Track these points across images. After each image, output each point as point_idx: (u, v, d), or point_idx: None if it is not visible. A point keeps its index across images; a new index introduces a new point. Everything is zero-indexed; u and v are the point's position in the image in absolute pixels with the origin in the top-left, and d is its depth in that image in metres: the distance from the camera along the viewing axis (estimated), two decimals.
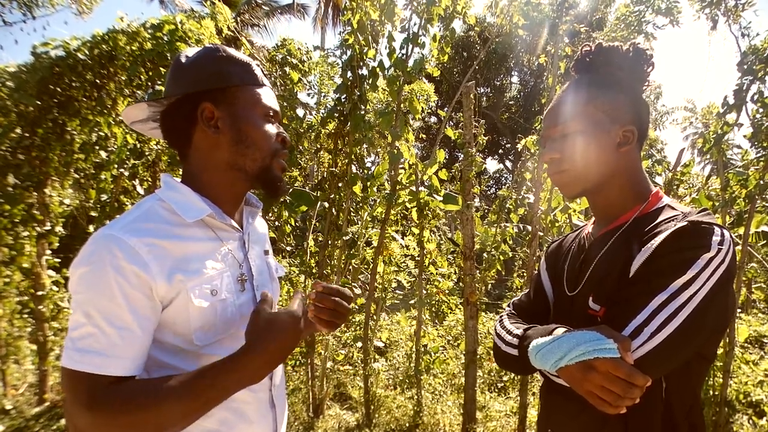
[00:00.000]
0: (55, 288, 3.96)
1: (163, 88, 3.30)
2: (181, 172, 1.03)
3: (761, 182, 3.11)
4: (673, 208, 0.97)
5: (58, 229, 3.87)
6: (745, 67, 3.18)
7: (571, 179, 1.03)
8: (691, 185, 4.52)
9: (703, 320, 0.82)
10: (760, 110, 3.16)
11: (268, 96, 1.01)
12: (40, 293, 3.86)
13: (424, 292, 4.00)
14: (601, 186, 1.03)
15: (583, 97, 1.02)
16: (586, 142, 1.00)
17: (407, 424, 3.72)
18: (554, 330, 0.91)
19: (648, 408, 0.88)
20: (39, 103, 3.51)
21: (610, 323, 0.85)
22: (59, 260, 4.02)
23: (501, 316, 1.16)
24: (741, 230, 3.29)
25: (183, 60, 0.98)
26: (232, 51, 1.00)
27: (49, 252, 3.97)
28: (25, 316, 4.26)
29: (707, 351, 0.93)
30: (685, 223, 0.87)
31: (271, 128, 1.00)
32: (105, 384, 0.80)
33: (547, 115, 1.08)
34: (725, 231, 0.87)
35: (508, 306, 1.21)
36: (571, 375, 0.83)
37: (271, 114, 1.01)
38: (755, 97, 3.17)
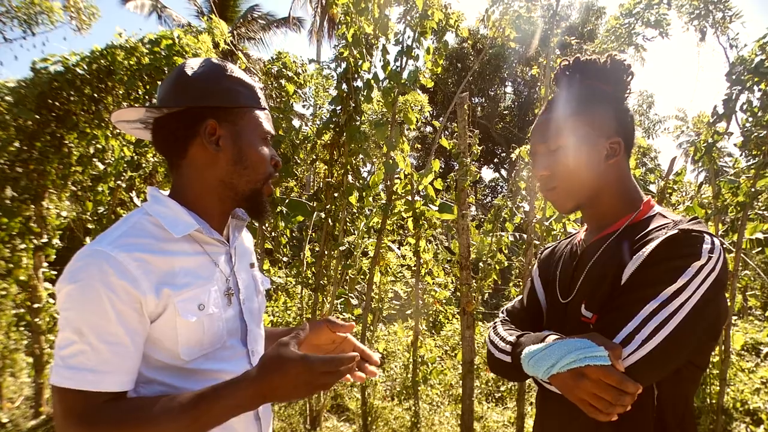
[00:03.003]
0: (51, 300, 3.95)
1: None
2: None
3: (752, 190, 3.16)
4: (664, 217, 0.98)
5: (55, 241, 3.87)
6: (734, 77, 3.23)
7: (563, 195, 1.04)
8: (684, 193, 4.56)
9: (695, 328, 0.83)
10: (750, 119, 3.20)
11: (267, 120, 1.02)
12: (36, 306, 3.86)
13: (421, 302, 4.00)
14: (592, 199, 1.04)
15: (566, 113, 1.03)
16: (573, 157, 1.01)
17: None
18: (546, 337, 0.92)
19: (640, 416, 0.89)
20: (37, 117, 3.54)
21: (602, 330, 0.86)
22: (56, 273, 4.02)
23: (495, 323, 1.16)
24: (735, 237, 3.32)
25: (189, 72, 0.96)
26: (239, 72, 1.00)
27: (46, 264, 3.97)
28: (22, 328, 4.25)
29: (699, 359, 0.93)
30: (676, 231, 0.88)
31: (267, 151, 1.01)
32: (100, 402, 0.80)
33: (533, 132, 1.09)
34: (715, 239, 0.87)
35: (502, 313, 1.22)
36: (562, 382, 0.84)
37: (268, 137, 1.02)
38: (744, 107, 3.22)
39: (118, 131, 3.83)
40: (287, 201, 4.52)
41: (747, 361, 4.83)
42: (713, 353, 3.10)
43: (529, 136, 1.14)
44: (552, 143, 1.03)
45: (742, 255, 3.61)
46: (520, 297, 1.25)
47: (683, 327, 0.82)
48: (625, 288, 0.90)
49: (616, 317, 0.86)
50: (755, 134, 3.15)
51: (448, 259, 5.66)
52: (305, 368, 0.80)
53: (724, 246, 0.91)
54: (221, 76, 0.97)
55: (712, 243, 0.86)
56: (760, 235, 5.64)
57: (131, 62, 3.42)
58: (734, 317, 5.27)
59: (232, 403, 0.82)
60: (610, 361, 0.79)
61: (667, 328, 0.81)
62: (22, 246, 3.74)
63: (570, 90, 1.06)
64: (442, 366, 4.93)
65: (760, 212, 4.09)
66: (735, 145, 3.34)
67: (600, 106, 1.02)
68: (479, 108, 21.29)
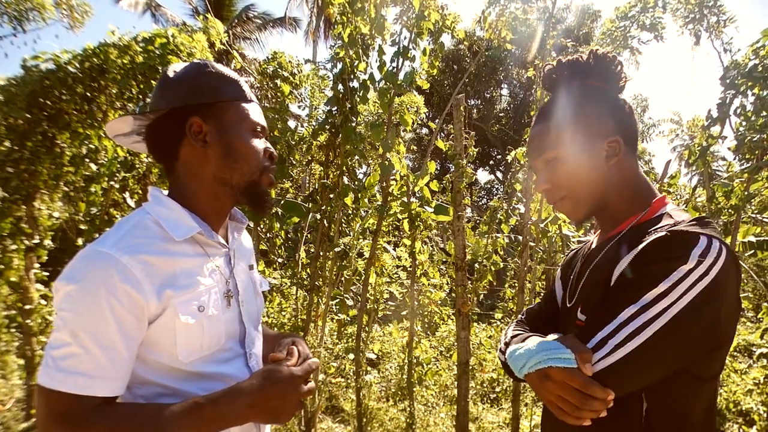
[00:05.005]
0: (43, 302, 3.91)
1: None
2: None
3: (746, 193, 3.17)
4: (671, 216, 0.92)
5: (47, 242, 3.83)
6: (728, 81, 3.25)
7: (572, 205, 1.01)
8: (678, 196, 4.58)
9: (678, 336, 0.78)
10: (743, 123, 3.22)
11: (255, 111, 1.01)
12: (28, 307, 3.81)
13: (416, 303, 4.00)
14: (602, 203, 0.99)
15: (557, 120, 0.99)
16: (572, 165, 0.97)
17: None
18: (529, 337, 0.93)
19: (625, 429, 0.86)
20: (28, 116, 3.49)
21: (585, 333, 0.84)
22: (48, 274, 3.98)
23: (510, 323, 1.16)
24: (728, 240, 3.34)
25: (171, 75, 0.98)
26: (220, 67, 1.00)
27: (37, 265, 3.92)
28: (13, 330, 4.20)
29: (699, 369, 0.84)
30: (664, 233, 0.84)
31: (259, 143, 1.00)
32: (92, 406, 0.79)
33: (528, 146, 1.06)
34: (715, 241, 0.81)
35: (521, 313, 1.21)
36: (532, 382, 0.84)
37: (259, 129, 1.01)
38: (738, 111, 3.24)
39: None
40: (282, 202, 4.50)
41: (740, 362, 4.86)
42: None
43: (526, 150, 1.12)
44: (548, 154, 0.99)
45: None
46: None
47: (663, 334, 0.77)
48: (611, 291, 0.89)
49: (597, 320, 0.84)
50: (749, 138, 3.17)
51: (444, 260, 5.66)
52: (294, 379, 0.89)
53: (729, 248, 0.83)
54: (201, 73, 0.98)
55: (708, 245, 0.80)
56: (753, 239, 5.68)
57: (125, 61, 3.38)
58: None
59: (226, 412, 0.83)
60: (576, 364, 0.78)
61: (644, 334, 0.77)
62: (13, 247, 3.69)
63: (559, 94, 1.02)
64: (438, 367, 4.92)
65: (753, 215, 4.12)
66: (729, 148, 3.36)
67: (592, 106, 0.97)
68: (475, 110, 21.34)
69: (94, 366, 0.79)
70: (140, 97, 3.48)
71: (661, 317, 0.77)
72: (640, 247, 0.86)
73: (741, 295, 0.86)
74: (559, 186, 0.99)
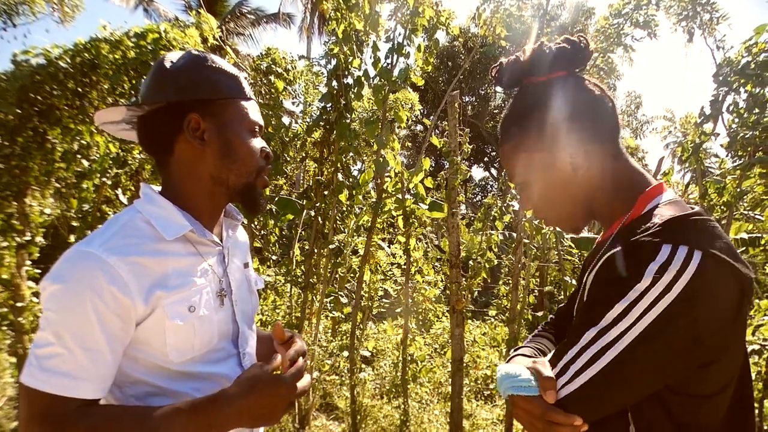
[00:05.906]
0: (35, 299, 3.87)
1: None
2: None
3: (738, 190, 3.20)
4: (655, 214, 0.80)
5: (39, 239, 3.79)
6: (721, 78, 3.26)
7: (557, 222, 0.96)
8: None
9: (642, 359, 0.72)
10: (736, 120, 3.24)
11: (254, 110, 0.99)
12: (19, 305, 3.77)
13: (411, 300, 4.00)
14: (589, 211, 0.92)
15: (513, 144, 0.92)
16: (540, 188, 0.91)
17: None
18: (515, 357, 0.92)
19: None
20: (19, 111, 3.45)
21: (559, 353, 0.81)
22: (39, 271, 3.94)
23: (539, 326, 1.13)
24: None
25: (168, 65, 0.94)
26: (220, 61, 0.97)
27: (29, 262, 3.88)
28: (4, 328, 4.16)
29: (693, 387, 0.76)
30: (618, 248, 0.78)
31: (257, 143, 0.98)
32: (73, 407, 0.79)
33: None
34: (682, 249, 0.71)
35: (553, 312, 1.16)
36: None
37: (257, 129, 0.99)
38: (731, 108, 3.26)
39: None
40: (277, 199, 4.49)
41: None
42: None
43: None
44: (515, 180, 0.94)
45: None
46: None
47: (624, 358, 0.72)
48: (583, 307, 0.87)
49: (567, 342, 0.80)
50: (741, 135, 3.18)
51: (438, 257, 5.67)
52: (279, 386, 0.84)
53: (706, 254, 0.71)
54: (201, 67, 0.94)
55: (670, 257, 0.71)
56: (745, 235, 5.73)
57: (116, 56, 3.34)
58: None
59: (212, 419, 0.82)
60: (538, 392, 0.76)
61: (603, 359, 0.73)
62: (5, 243, 3.65)
63: (509, 106, 0.95)
64: (432, 364, 4.93)
65: (745, 212, 4.15)
66: (721, 145, 3.38)
67: (545, 115, 0.87)
68: (470, 107, 21.36)
69: (77, 367, 0.79)
70: (132, 92, 3.45)
71: (621, 340, 0.72)
72: (600, 262, 0.82)
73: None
74: (537, 208, 0.95)
